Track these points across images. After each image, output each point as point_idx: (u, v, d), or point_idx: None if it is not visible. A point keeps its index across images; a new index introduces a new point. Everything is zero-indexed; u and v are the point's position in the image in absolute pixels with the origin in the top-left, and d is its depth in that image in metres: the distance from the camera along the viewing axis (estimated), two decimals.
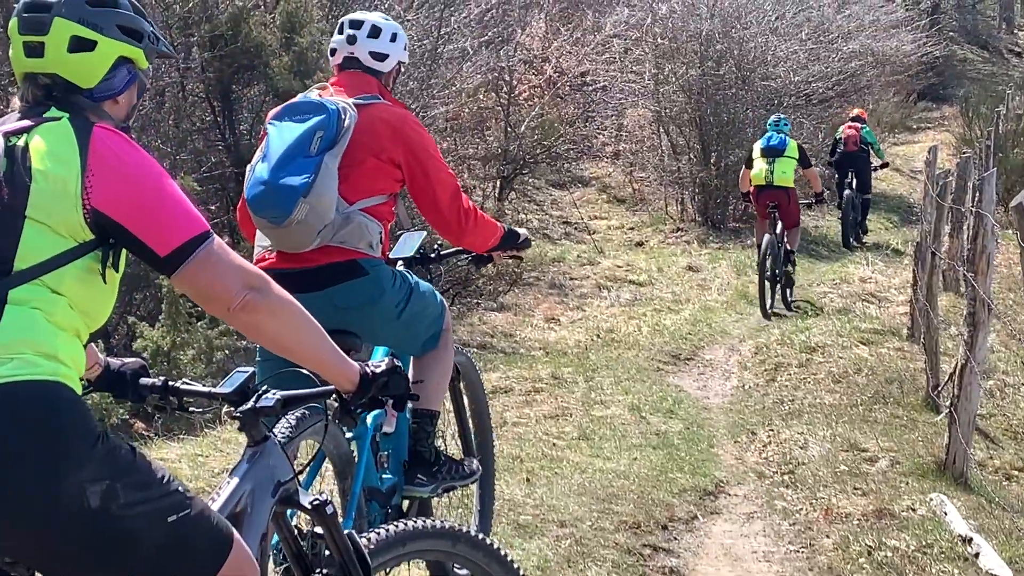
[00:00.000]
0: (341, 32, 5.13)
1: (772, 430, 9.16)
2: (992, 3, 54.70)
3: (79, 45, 2.94)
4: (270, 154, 4.63)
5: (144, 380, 3.48)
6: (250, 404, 3.23)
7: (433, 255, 5.55)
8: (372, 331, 4.79)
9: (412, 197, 5.06)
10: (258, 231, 4.79)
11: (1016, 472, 8.63)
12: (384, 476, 4.88)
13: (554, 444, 8.68)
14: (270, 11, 13.58)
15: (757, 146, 14.71)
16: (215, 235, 2.96)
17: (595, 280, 16.20)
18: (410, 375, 4.88)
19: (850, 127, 19.42)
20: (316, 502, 3.38)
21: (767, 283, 13.99)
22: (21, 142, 2.82)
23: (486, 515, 5.83)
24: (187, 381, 3.46)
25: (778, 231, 14.30)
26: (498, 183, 19.21)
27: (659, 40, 21.47)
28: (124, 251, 2.94)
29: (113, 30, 3.01)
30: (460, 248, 5.54)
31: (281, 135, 4.67)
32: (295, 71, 11.87)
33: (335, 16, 14.81)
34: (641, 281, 15.94)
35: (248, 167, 4.76)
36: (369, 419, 4.76)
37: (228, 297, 2.93)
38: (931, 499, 7.30)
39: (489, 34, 19.00)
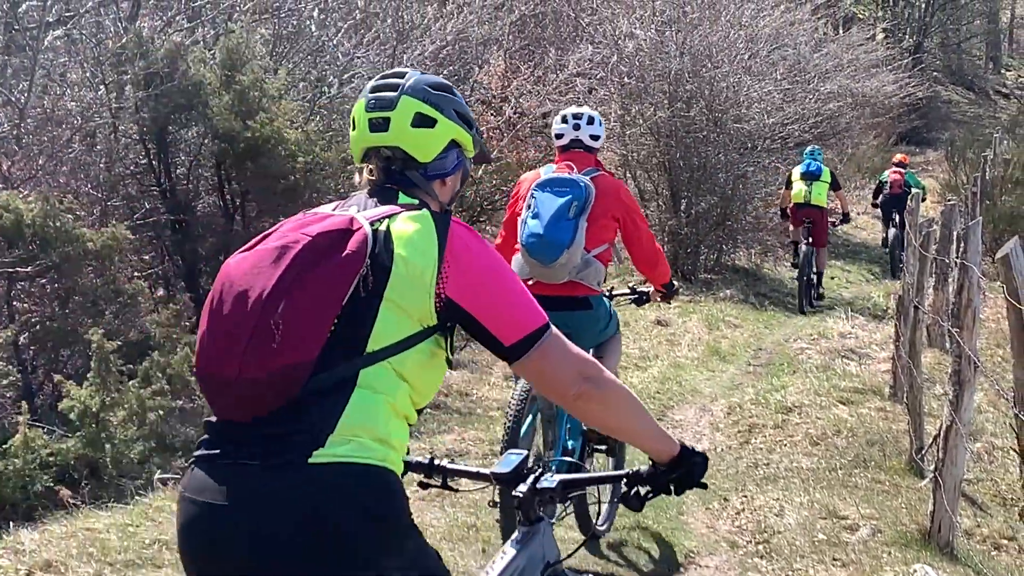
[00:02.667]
0: (566, 122, 7.54)
1: (746, 496, 9.17)
2: (978, 42, 55.36)
3: (421, 121, 3.41)
4: (542, 215, 7.04)
5: (407, 458, 3.55)
6: (528, 485, 3.59)
7: (607, 293, 7.75)
8: (580, 339, 6.27)
9: (624, 240, 7.57)
10: (515, 261, 7.15)
11: (1005, 541, 8.66)
12: (569, 440, 7.30)
13: None
14: (209, 47, 13.59)
15: (796, 171, 18.74)
16: (552, 326, 3.32)
17: None
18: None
19: (895, 172, 23.08)
20: None
21: (805, 288, 18.21)
22: (383, 227, 3.16)
23: (612, 512, 7.97)
24: (452, 460, 3.91)
25: (809, 242, 18.24)
26: None
27: (625, 79, 21.58)
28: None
29: (450, 112, 3.48)
30: (626, 291, 8.22)
31: (549, 201, 7.08)
32: (236, 111, 11.87)
33: (279, 52, 14.87)
34: None
35: (520, 220, 7.22)
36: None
37: (565, 387, 3.30)
38: (915, 570, 7.32)
39: (445, 72, 19.07)
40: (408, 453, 3.53)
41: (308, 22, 16.46)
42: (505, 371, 13.97)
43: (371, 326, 3.06)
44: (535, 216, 7.03)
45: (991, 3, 53.31)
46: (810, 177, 18.39)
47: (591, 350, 7.45)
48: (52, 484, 8.44)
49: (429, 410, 12.04)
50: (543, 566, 3.62)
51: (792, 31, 26.10)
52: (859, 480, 9.66)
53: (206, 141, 12.40)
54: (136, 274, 11.73)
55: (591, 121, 7.49)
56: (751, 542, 8.19)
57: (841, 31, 35.87)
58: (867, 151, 29.59)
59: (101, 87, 12.66)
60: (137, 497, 8.30)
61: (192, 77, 12.01)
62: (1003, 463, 10.65)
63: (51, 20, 12.42)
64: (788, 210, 18.85)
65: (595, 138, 7.49)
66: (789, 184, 18.88)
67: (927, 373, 12.00)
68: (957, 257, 8.90)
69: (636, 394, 9.82)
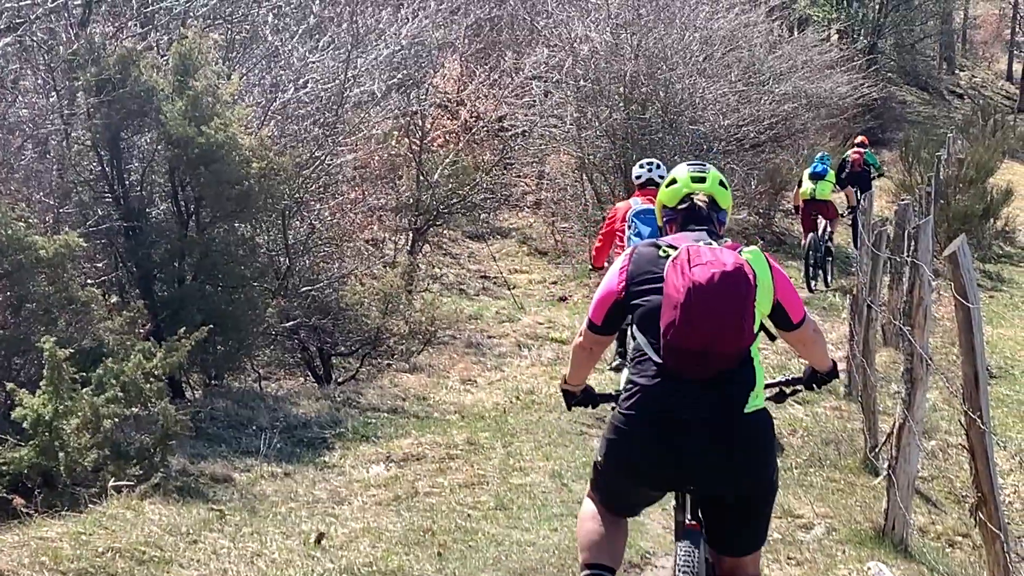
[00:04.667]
0: (643, 167, 11.71)
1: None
2: (932, 43, 55.66)
3: (722, 183, 5.53)
4: (643, 234, 10.13)
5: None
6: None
7: None
8: None
9: None
10: None
11: (959, 538, 8.74)
12: None
13: (468, 515, 8.66)
14: (162, 53, 13.52)
15: (806, 173, 21.57)
16: None
17: (515, 338, 16.21)
18: None
19: (856, 152, 25.35)
20: None
21: (811, 269, 21.01)
22: (743, 258, 5.08)
23: None
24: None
25: (820, 231, 21.03)
26: (410, 235, 19.21)
27: (581, 82, 21.63)
28: None
29: (727, 187, 5.60)
30: None
31: (646, 226, 10.24)
32: (189, 117, 11.80)
33: (232, 58, 14.80)
34: (564, 339, 15.93)
35: (625, 238, 10.69)
36: None
37: (810, 337, 5.51)
38: (869, 568, 7.36)
39: (400, 76, 19.03)
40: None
41: (263, 27, 16.39)
42: (461, 375, 13.98)
43: (753, 322, 5.01)
44: (637, 235, 10.31)
45: (944, 4, 53.54)
46: (816, 177, 21.17)
47: None
48: (5, 493, 8.38)
49: (386, 414, 12.04)
50: None
51: (747, 33, 26.13)
52: (814, 479, 9.72)
53: (159, 147, 12.32)
54: (89, 281, 11.65)
55: (659, 167, 11.55)
56: None
57: (796, 32, 36.00)
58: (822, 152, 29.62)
59: (53, 94, 12.57)
60: (91, 505, 8.25)
61: (145, 83, 11.93)
62: (957, 460, 10.73)
63: (1, 27, 12.32)
64: (799, 207, 21.77)
65: (662, 177, 9.86)
66: (800, 184, 21.70)
67: (882, 372, 12.08)
68: (908, 256, 8.95)
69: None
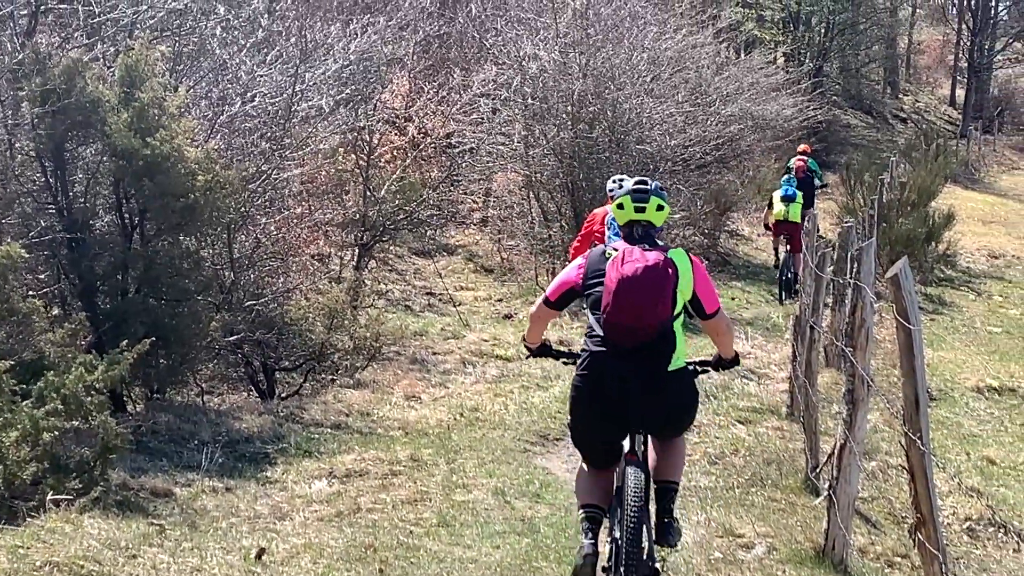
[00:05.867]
0: (615, 183, 11.21)
1: None
2: (876, 67, 56.21)
3: (659, 208, 6.76)
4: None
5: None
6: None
7: None
8: None
9: None
10: None
11: (899, 559, 8.78)
12: None
13: (411, 531, 8.64)
14: (108, 64, 13.43)
15: (777, 195, 23.06)
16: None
17: (460, 355, 16.17)
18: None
19: (799, 160, 25.68)
20: None
21: (782, 287, 22.22)
22: (668, 256, 6.54)
23: None
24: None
25: (790, 250, 22.15)
26: (356, 250, 19.16)
27: (529, 100, 21.65)
28: None
29: (667, 202, 6.90)
30: None
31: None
32: (135, 128, 11.72)
33: (179, 70, 14.72)
34: (509, 356, 15.93)
35: (605, 240, 11.47)
36: None
37: (723, 328, 6.89)
38: None
39: (348, 91, 18.98)
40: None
41: (211, 40, 16.31)
42: (405, 392, 13.95)
43: (674, 302, 6.48)
44: (616, 235, 10.18)
45: (889, 29, 54.16)
46: (787, 200, 22.62)
47: None
48: None
49: (329, 430, 12.00)
50: None
51: (694, 54, 26.25)
52: (755, 498, 9.74)
53: (104, 159, 12.22)
54: (31, 293, 11.55)
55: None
56: None
57: (742, 55, 36.20)
58: (768, 174, 29.74)
59: None
60: (29, 519, 8.17)
61: (90, 94, 11.85)
62: (897, 481, 10.78)
63: None
64: (770, 226, 23.34)
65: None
66: (771, 205, 23.21)
67: (824, 393, 12.13)
68: (851, 278, 9.00)
69: (537, 414, 10.01)
